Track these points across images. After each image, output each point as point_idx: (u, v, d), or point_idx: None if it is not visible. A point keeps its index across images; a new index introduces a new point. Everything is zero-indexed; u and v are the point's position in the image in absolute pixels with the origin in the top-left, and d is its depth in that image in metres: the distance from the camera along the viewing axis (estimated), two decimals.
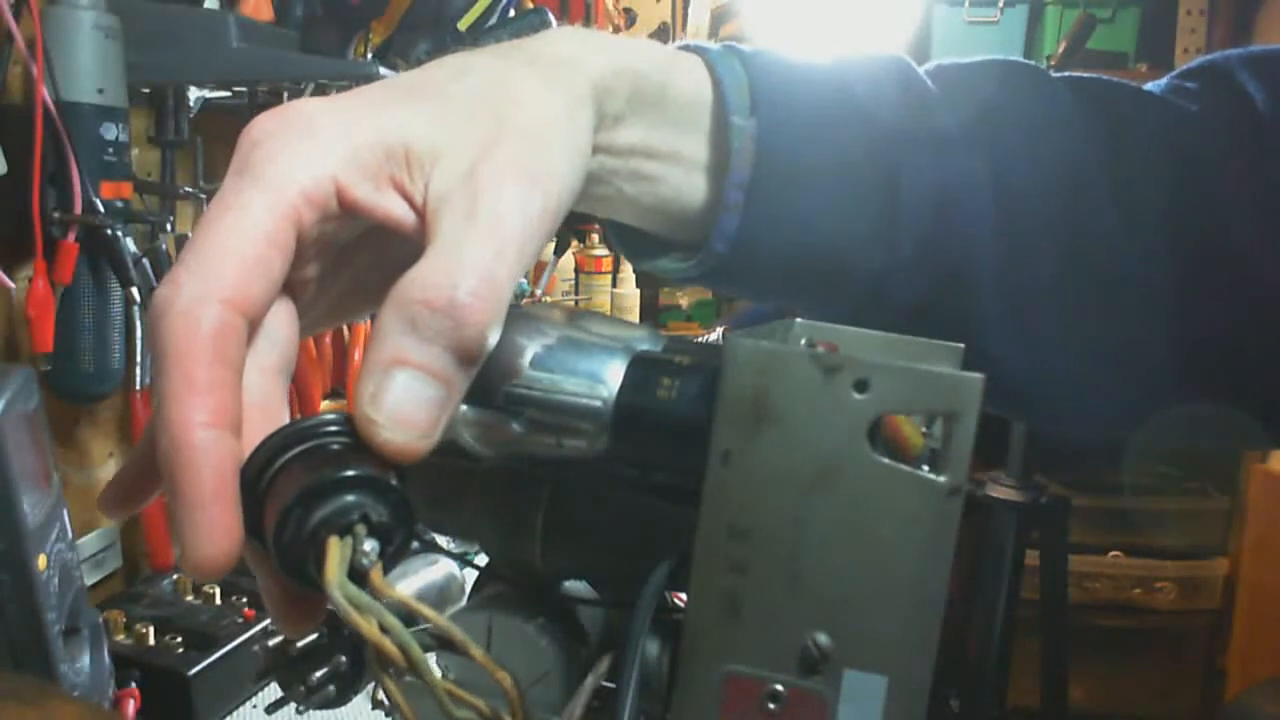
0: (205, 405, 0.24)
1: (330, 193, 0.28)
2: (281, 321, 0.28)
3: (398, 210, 0.28)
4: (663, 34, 2.37)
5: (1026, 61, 0.49)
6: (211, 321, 0.25)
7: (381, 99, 0.30)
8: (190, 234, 0.27)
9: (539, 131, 0.30)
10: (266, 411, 0.27)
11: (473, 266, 0.26)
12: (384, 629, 0.23)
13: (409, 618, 0.24)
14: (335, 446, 0.25)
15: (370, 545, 0.23)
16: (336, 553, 0.23)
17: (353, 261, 0.33)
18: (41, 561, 0.61)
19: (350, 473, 0.24)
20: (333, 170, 0.27)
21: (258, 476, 0.25)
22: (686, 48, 0.42)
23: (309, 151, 0.27)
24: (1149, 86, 0.51)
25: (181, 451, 0.24)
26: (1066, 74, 0.50)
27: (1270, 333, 0.47)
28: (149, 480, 0.30)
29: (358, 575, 0.23)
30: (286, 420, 0.27)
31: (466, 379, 0.26)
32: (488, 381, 0.28)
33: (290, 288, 0.28)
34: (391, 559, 0.24)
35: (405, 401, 0.25)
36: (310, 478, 0.24)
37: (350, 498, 0.24)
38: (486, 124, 0.29)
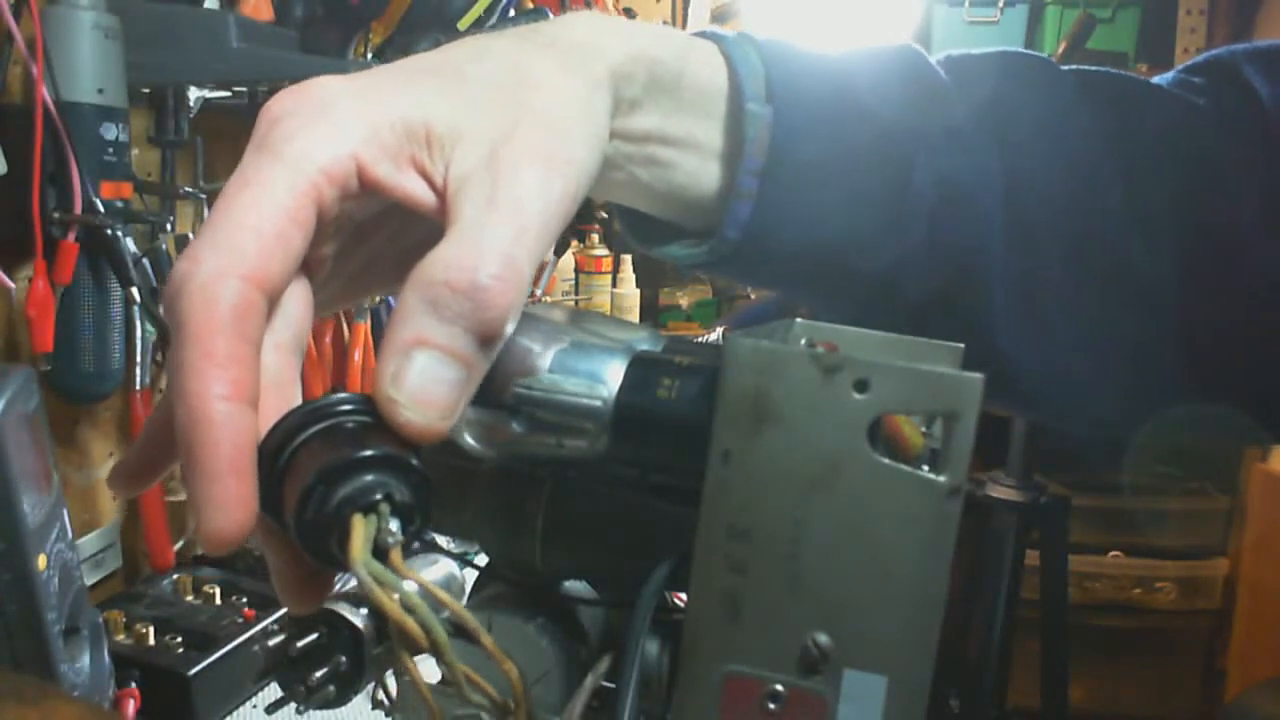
0: (224, 379, 0.24)
1: (351, 171, 0.28)
2: (297, 299, 0.28)
3: (417, 190, 0.28)
4: None
5: (1036, 54, 0.49)
6: (231, 297, 0.25)
7: (402, 78, 0.30)
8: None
9: (558, 116, 0.30)
10: (281, 388, 0.27)
11: (494, 249, 0.26)
12: (407, 608, 0.23)
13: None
14: (355, 425, 0.25)
15: (394, 524, 0.24)
16: (362, 530, 0.23)
17: (369, 240, 0.33)
18: (41, 561, 0.61)
19: (376, 451, 0.24)
20: (353, 148, 0.27)
21: (276, 452, 0.25)
22: (702, 34, 0.42)
23: (330, 129, 0.27)
24: (1155, 80, 0.51)
25: (199, 424, 0.24)
26: (1075, 67, 0.50)
27: (1273, 328, 0.47)
28: (162, 456, 0.30)
29: (380, 554, 0.23)
30: (299, 398, 0.27)
31: (486, 361, 0.27)
32: (494, 381, 0.28)
33: (306, 266, 0.28)
34: (411, 539, 0.24)
35: (426, 382, 0.25)
36: (335, 455, 0.24)
37: (375, 476, 0.24)
38: (506, 107, 0.29)
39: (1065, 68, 0.49)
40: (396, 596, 0.23)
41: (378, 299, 1.21)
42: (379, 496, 0.24)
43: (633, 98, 0.37)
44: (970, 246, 0.45)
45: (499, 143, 0.28)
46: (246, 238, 0.26)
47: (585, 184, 0.30)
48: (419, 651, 0.23)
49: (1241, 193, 0.47)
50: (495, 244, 0.26)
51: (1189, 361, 0.48)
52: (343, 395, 0.25)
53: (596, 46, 0.34)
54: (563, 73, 0.32)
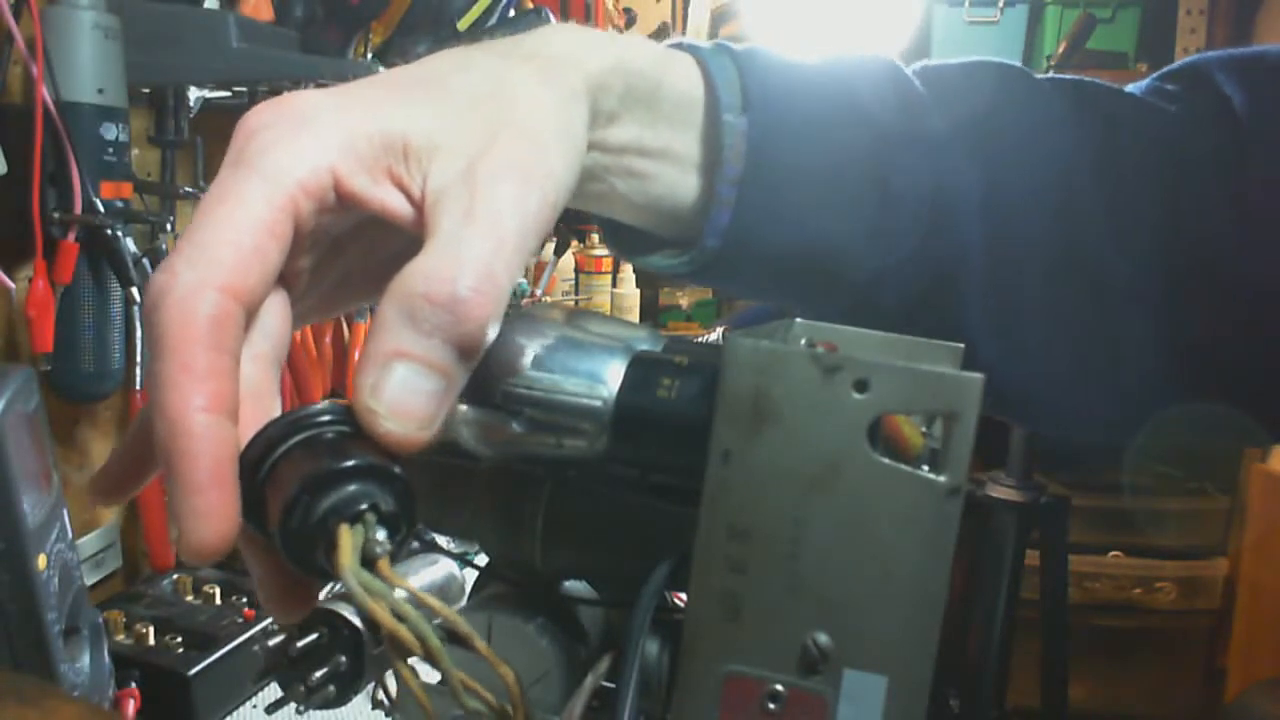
0: (203, 390, 0.24)
1: (327, 184, 0.28)
2: (275, 312, 0.28)
3: (394, 203, 0.28)
4: (662, 34, 2.37)
5: (1014, 64, 0.49)
6: (210, 308, 0.25)
7: (381, 91, 0.30)
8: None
9: (536, 129, 0.30)
10: (259, 400, 0.27)
11: (473, 263, 0.26)
12: (399, 617, 0.23)
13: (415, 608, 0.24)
14: (336, 435, 0.25)
15: (381, 534, 0.24)
16: (349, 540, 0.23)
17: (345, 253, 0.33)
18: (41, 561, 0.61)
19: (360, 461, 0.24)
20: (330, 161, 0.28)
21: (257, 463, 0.25)
22: (679, 46, 0.42)
23: (306, 142, 0.28)
24: (1130, 88, 0.52)
25: (179, 437, 0.24)
26: (1051, 76, 0.50)
27: (1257, 334, 0.47)
28: (141, 467, 0.30)
29: (368, 563, 0.23)
30: (278, 409, 0.27)
31: (465, 372, 0.27)
32: (487, 380, 0.28)
33: (283, 278, 0.28)
34: (397, 548, 0.24)
35: (405, 393, 0.25)
36: (319, 465, 0.24)
37: (360, 486, 0.24)
38: (484, 120, 0.29)
39: (1041, 76, 0.49)
40: (387, 605, 0.23)
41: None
42: (364, 507, 0.24)
43: (610, 110, 0.37)
44: (949, 256, 0.45)
45: (477, 155, 0.28)
46: (224, 251, 0.26)
47: (563, 196, 0.30)
48: (405, 656, 0.23)
49: (1217, 199, 0.47)
50: (474, 257, 0.26)
51: (1176, 369, 0.48)
52: (322, 405, 0.25)
53: (575, 59, 0.34)
54: (541, 85, 0.32)
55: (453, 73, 0.32)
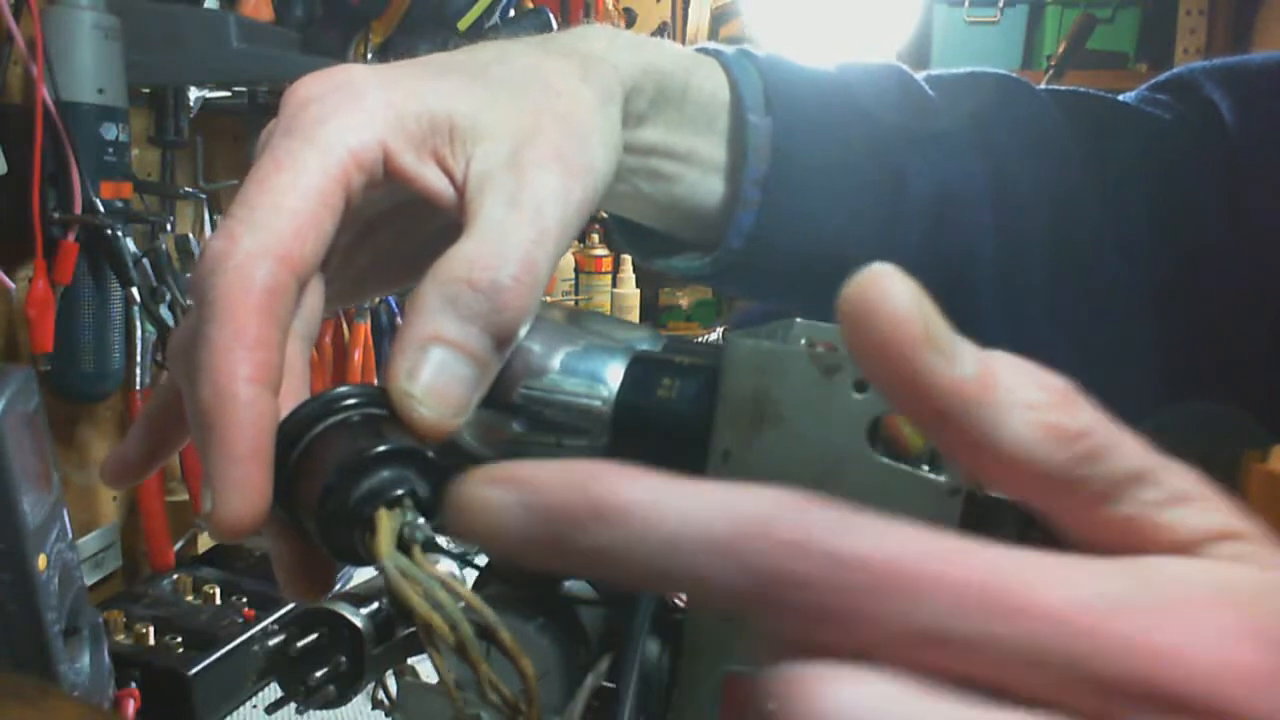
0: (252, 360, 0.24)
1: (378, 159, 0.28)
2: (312, 289, 0.28)
3: (437, 184, 0.28)
4: (662, 34, 2.37)
5: (1013, 75, 0.51)
6: (266, 278, 0.25)
7: (426, 72, 0.30)
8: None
9: (579, 122, 0.30)
10: (292, 378, 0.27)
11: (515, 251, 0.26)
12: (434, 605, 0.23)
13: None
14: (369, 419, 0.25)
15: (420, 520, 0.23)
16: (388, 524, 0.23)
17: (376, 236, 0.33)
18: (41, 561, 0.61)
19: (399, 444, 0.24)
20: (381, 136, 0.28)
21: (291, 443, 0.25)
22: (704, 50, 0.43)
23: (359, 115, 0.28)
24: (1121, 99, 0.53)
25: (225, 405, 0.24)
26: (1048, 87, 0.52)
27: (1248, 333, 0.47)
28: (159, 446, 0.30)
29: (404, 548, 0.23)
30: (308, 390, 0.27)
31: (498, 362, 0.27)
32: (497, 381, 0.28)
33: None
34: (434, 533, 0.24)
35: (441, 378, 0.25)
36: (357, 447, 0.23)
37: (398, 470, 0.24)
38: (528, 110, 0.30)
39: (1040, 88, 0.51)
40: (422, 592, 0.23)
41: (377, 299, 1.21)
42: (404, 491, 0.23)
43: (640, 111, 0.37)
44: (962, 253, 0.46)
45: (521, 143, 0.28)
46: (282, 220, 0.26)
47: (602, 191, 0.31)
48: (441, 646, 0.23)
49: (1209, 201, 0.48)
50: (517, 245, 0.26)
51: (1172, 367, 0.49)
52: (350, 388, 0.25)
53: (610, 59, 0.35)
54: (581, 80, 0.32)
55: (493, 62, 0.32)
